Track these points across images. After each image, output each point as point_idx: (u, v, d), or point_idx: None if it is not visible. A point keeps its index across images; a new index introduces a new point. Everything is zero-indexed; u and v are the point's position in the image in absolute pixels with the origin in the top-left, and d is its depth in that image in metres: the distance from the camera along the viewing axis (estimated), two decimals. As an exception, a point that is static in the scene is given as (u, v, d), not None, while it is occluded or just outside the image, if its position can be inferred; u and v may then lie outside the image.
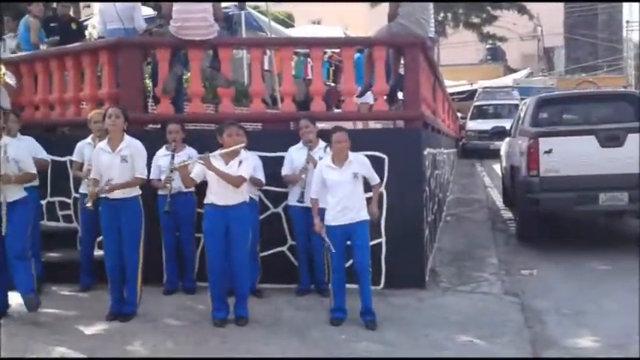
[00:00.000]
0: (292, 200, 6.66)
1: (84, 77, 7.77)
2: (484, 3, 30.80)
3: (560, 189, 8.34)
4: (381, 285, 6.80)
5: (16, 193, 5.89)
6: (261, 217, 6.82)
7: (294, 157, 6.64)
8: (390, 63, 7.73)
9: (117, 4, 7.90)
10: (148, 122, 7.40)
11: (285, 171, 6.69)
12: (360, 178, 5.79)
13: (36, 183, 6.46)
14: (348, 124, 8.37)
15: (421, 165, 7.13)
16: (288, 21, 22.71)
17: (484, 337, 5.47)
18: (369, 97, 8.89)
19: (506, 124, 15.62)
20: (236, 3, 15.63)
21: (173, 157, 6.48)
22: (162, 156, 6.68)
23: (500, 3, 30.98)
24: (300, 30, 20.11)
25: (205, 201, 5.84)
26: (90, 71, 7.62)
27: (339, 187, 5.71)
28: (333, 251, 5.68)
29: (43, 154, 6.73)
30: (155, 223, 6.62)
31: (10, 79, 7.78)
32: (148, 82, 8.24)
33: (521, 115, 10.56)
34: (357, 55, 9.52)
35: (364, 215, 5.82)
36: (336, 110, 9.31)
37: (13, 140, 6.14)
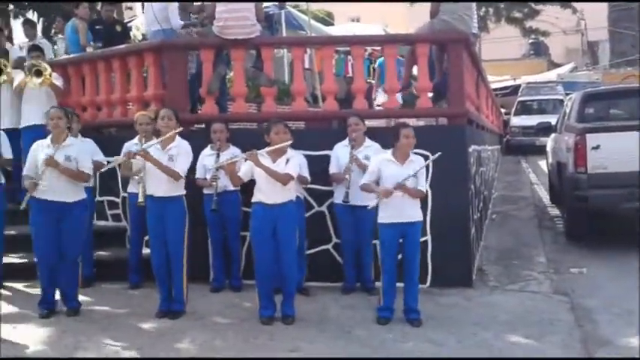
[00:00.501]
0: (338, 199, 6.66)
1: (130, 78, 7.88)
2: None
3: (609, 186, 8.16)
4: (428, 283, 6.77)
5: (76, 194, 6.04)
6: (306, 215, 6.84)
7: (340, 154, 6.64)
8: (434, 60, 7.68)
9: (154, 5, 7.99)
10: (193, 122, 7.47)
11: (332, 169, 6.70)
12: (418, 178, 5.76)
13: (90, 184, 6.62)
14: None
15: (466, 162, 7.06)
16: (327, 19, 22.74)
17: (533, 336, 5.39)
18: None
19: (552, 119, 15.34)
20: (276, 2, 15.70)
21: (218, 155, 6.54)
22: (207, 155, 6.74)
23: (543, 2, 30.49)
24: (340, 28, 20.11)
25: (253, 199, 5.88)
26: (136, 73, 7.72)
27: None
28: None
29: (100, 156, 6.86)
30: (201, 222, 6.70)
31: (57, 81, 7.92)
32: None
33: (567, 110, 10.37)
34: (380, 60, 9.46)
35: (419, 215, 5.80)
36: (377, 107, 9.26)
37: (75, 140, 6.31)
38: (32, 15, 20.56)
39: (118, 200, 7.83)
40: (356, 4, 38.54)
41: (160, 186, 5.95)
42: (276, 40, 9.80)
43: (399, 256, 5.83)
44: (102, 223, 7.95)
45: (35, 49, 8.03)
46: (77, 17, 9.57)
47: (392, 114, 7.67)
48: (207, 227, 6.84)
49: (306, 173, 6.54)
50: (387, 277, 5.78)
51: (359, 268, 6.69)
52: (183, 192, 6.07)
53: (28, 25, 10.34)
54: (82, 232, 6.14)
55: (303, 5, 16.76)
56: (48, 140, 6.06)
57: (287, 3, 16.35)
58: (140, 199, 6.08)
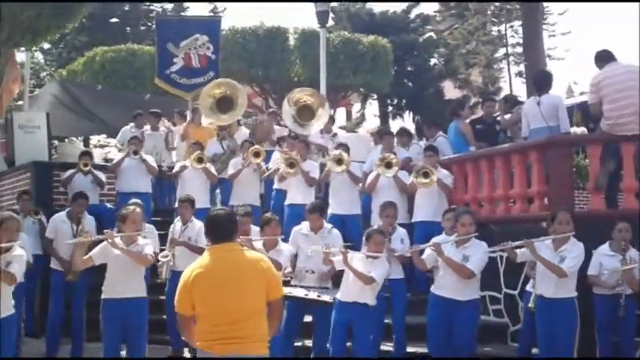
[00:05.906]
0: None
1: (512, 176, 8.01)
2: None
3: None
4: None
5: (468, 293, 6.23)
6: None
7: None
8: None
9: (542, 103, 8.00)
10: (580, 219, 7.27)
11: None
12: None
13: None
14: None
15: None
16: None
17: None
18: None
19: None
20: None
21: (624, 258, 6.27)
22: (604, 254, 6.50)
23: None
24: None
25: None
26: (519, 170, 7.82)
27: None
28: None
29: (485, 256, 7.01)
30: (590, 324, 6.44)
31: (448, 179, 8.34)
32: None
33: None
34: None
35: None
36: None
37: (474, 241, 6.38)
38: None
39: (500, 296, 7.89)
40: None
41: (549, 287, 5.95)
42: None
43: None
44: (483, 317, 8.02)
45: (430, 149, 8.65)
46: (460, 118, 9.67)
47: None
48: (595, 330, 6.53)
49: None
50: None
51: None
52: (575, 294, 5.99)
53: (406, 135, 10.13)
54: (472, 331, 6.26)
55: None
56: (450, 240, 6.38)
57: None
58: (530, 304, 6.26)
